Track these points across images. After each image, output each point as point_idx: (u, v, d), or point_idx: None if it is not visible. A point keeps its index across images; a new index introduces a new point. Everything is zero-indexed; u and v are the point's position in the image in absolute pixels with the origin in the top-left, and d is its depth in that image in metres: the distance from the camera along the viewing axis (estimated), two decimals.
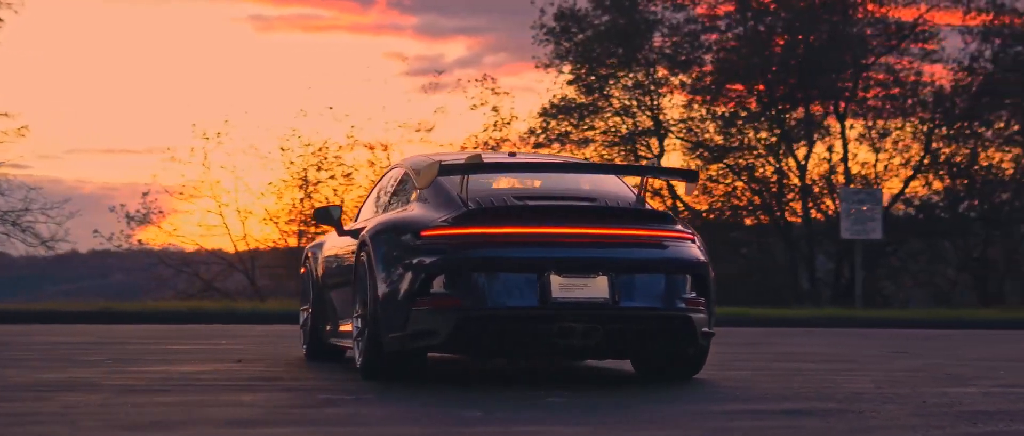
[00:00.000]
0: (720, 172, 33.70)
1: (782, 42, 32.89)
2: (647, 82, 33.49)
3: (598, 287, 8.52)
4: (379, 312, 8.75)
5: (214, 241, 34.68)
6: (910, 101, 31.73)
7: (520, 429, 6.35)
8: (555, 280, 8.47)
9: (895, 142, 32.23)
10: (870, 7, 32.23)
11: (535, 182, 9.79)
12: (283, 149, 32.61)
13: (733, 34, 33.34)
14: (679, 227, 8.93)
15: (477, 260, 8.49)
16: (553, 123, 33.25)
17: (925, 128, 31.89)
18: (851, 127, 32.62)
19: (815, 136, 32.44)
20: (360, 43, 55.09)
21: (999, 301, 32.15)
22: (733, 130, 33.14)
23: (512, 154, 10.33)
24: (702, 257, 8.88)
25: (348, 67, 53.33)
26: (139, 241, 32.66)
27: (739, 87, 33.28)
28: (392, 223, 9.06)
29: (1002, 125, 31.80)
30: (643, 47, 33.30)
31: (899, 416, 7.02)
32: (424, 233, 8.66)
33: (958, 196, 32.63)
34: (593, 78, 33.33)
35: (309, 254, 11.36)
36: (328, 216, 10.64)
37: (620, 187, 9.49)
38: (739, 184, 33.79)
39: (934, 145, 32.00)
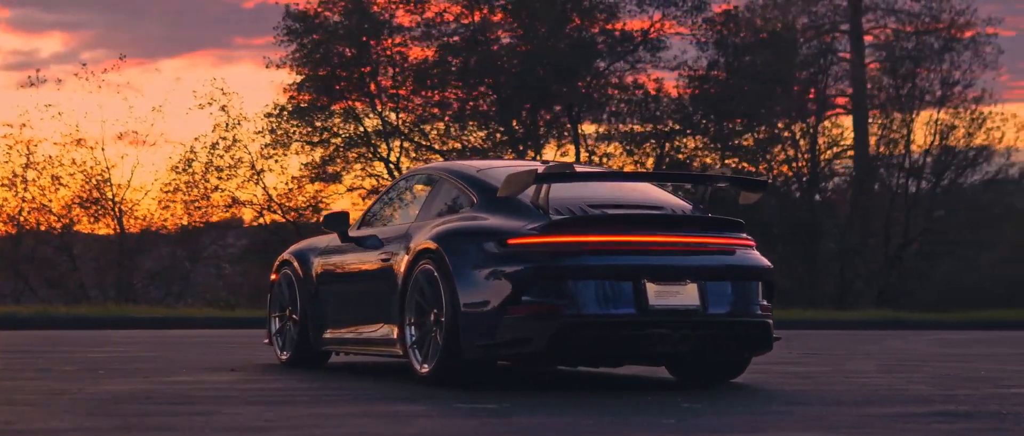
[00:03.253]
0: None
1: (512, 42, 33.47)
2: (376, 86, 33.50)
3: (689, 294, 8.74)
4: (460, 320, 8.73)
5: None
6: (652, 106, 32.80)
7: None
8: (650, 287, 8.64)
9: (630, 146, 33.24)
10: (599, 16, 33.10)
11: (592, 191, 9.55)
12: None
13: (461, 37, 33.64)
14: (745, 235, 9.25)
15: (574, 268, 8.58)
16: (292, 124, 32.92)
17: (665, 129, 33.03)
18: (598, 134, 33.50)
19: (555, 140, 33.18)
20: None
21: None
22: (467, 132, 33.54)
23: (546, 163, 10.41)
24: (769, 264, 9.23)
25: None
26: None
27: (458, 88, 33.67)
28: (465, 230, 9.03)
29: (736, 128, 33.24)
30: (374, 50, 33.30)
31: None
32: (511, 241, 8.69)
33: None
34: (322, 81, 33.09)
35: (291, 260, 11.12)
36: (341, 222, 10.53)
37: (669, 195, 9.71)
38: None
39: (666, 149, 33.18)
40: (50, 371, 10.25)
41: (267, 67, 33.30)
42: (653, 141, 33.03)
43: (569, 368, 10.87)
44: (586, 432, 6.65)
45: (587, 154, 33.08)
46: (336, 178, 33.74)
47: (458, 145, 33.53)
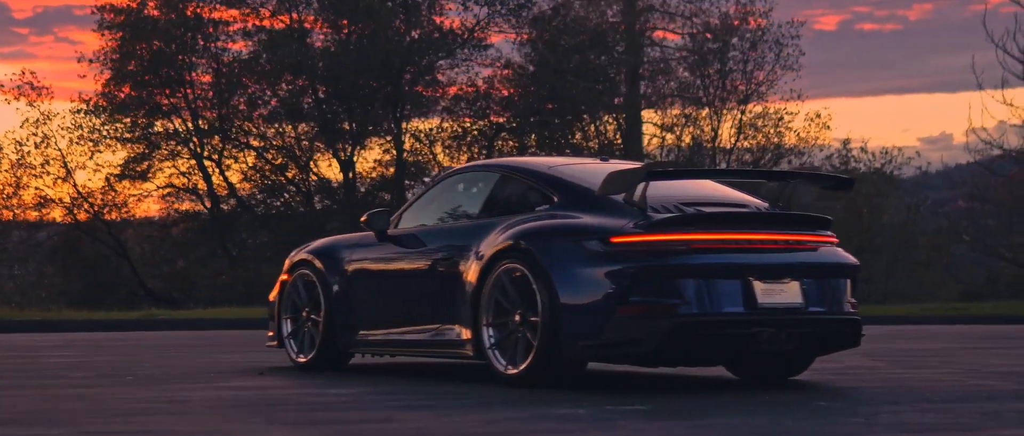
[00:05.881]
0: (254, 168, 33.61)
1: (332, 40, 32.98)
2: (191, 83, 32.67)
3: (792, 292, 8.68)
4: (563, 320, 8.49)
5: None
6: (481, 104, 32.71)
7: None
8: (758, 286, 8.55)
9: (458, 145, 33.08)
10: (422, 13, 32.87)
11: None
12: None
13: (280, 35, 32.98)
14: (830, 232, 9.22)
15: (683, 267, 8.43)
16: (96, 121, 31.85)
17: (488, 127, 33.00)
18: (413, 130, 33.24)
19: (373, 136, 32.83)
20: None
21: None
22: (281, 130, 32.98)
23: (604, 158, 10.23)
24: (856, 261, 9.22)
25: None
26: None
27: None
28: (559, 228, 8.78)
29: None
30: (190, 46, 32.44)
31: None
32: (615, 239, 8.49)
33: None
34: (136, 77, 32.10)
35: (311, 259, 10.62)
36: (381, 220, 10.18)
37: (744, 193, 9.63)
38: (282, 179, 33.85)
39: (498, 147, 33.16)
40: (61, 378, 9.64)
41: (78, 61, 32.27)
42: (479, 139, 32.94)
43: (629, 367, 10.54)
44: (788, 433, 6.51)
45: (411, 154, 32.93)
46: (144, 176, 32.84)
47: (280, 142, 33.03)
